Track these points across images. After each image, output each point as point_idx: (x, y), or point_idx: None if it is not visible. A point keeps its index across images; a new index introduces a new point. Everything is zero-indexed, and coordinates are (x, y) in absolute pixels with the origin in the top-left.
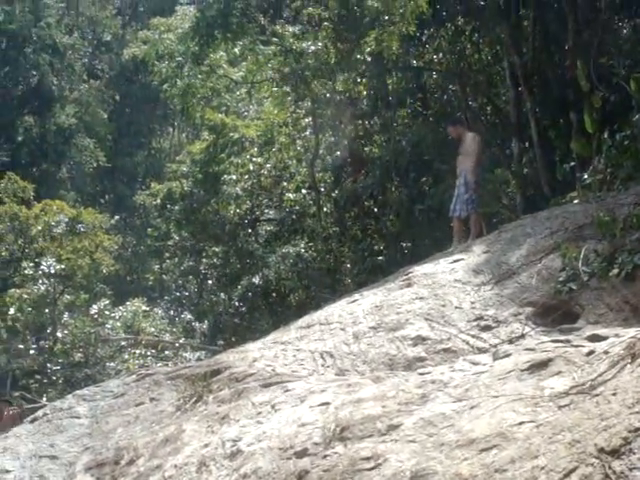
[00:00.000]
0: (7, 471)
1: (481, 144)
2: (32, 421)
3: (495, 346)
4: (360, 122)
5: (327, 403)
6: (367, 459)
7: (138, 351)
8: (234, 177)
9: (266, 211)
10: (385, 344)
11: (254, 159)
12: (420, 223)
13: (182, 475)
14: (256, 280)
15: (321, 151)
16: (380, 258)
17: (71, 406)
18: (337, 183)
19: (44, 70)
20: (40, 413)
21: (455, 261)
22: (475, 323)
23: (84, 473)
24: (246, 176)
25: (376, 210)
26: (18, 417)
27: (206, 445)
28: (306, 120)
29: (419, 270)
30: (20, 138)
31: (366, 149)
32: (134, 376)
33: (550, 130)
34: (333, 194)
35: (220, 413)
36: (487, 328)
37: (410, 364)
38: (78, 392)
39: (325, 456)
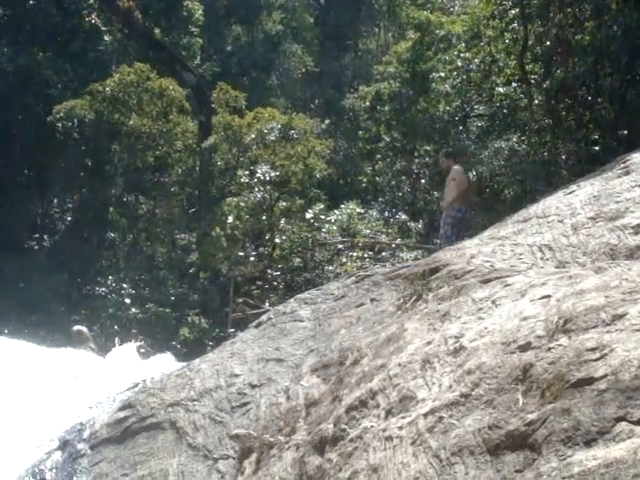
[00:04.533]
0: (236, 375)
1: (463, 177)
2: (257, 326)
3: None
4: (569, 9)
5: (548, 296)
6: (592, 350)
7: (355, 253)
8: (442, 74)
9: (476, 107)
10: (605, 234)
11: (462, 55)
12: (635, 109)
13: (406, 373)
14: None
15: (530, 42)
16: (596, 147)
17: (294, 310)
18: (548, 74)
19: None
20: (264, 318)
21: None
22: None
23: (310, 374)
24: (454, 73)
25: (589, 99)
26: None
27: (428, 343)
28: (513, 11)
29: (637, 157)
30: (229, 48)
31: (576, 37)
32: (353, 278)
33: None
34: (544, 85)
35: (440, 311)
36: None
37: (632, 253)
38: (300, 296)
39: (549, 349)
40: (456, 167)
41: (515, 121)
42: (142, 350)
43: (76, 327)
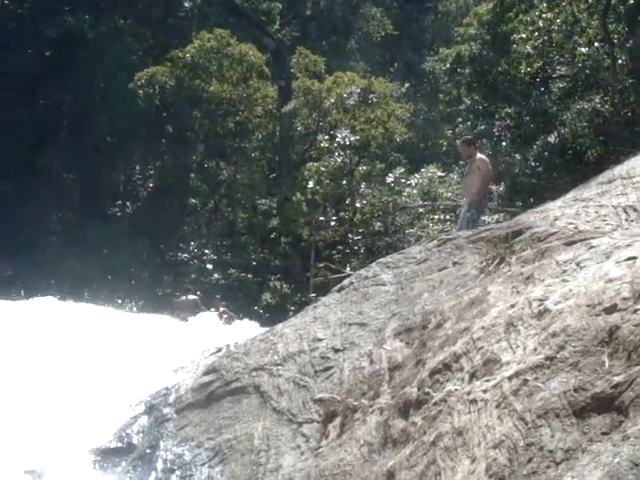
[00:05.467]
0: (319, 339)
1: (488, 168)
2: (339, 290)
3: None
4: None
5: (634, 257)
6: None
7: (436, 217)
8: (523, 36)
9: (558, 68)
10: None
11: (543, 15)
12: None
13: (490, 336)
14: (551, 139)
15: (613, 1)
16: None
17: (376, 274)
18: (631, 33)
19: None
20: (346, 282)
21: None
22: None
23: (393, 338)
24: (536, 33)
25: None
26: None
27: (512, 306)
28: None
29: None
30: (308, 12)
31: None
32: (435, 241)
33: None
34: (627, 45)
35: (524, 273)
36: None
37: None
38: (382, 260)
39: (635, 310)
40: (481, 156)
41: (598, 81)
42: (225, 315)
43: (184, 297)
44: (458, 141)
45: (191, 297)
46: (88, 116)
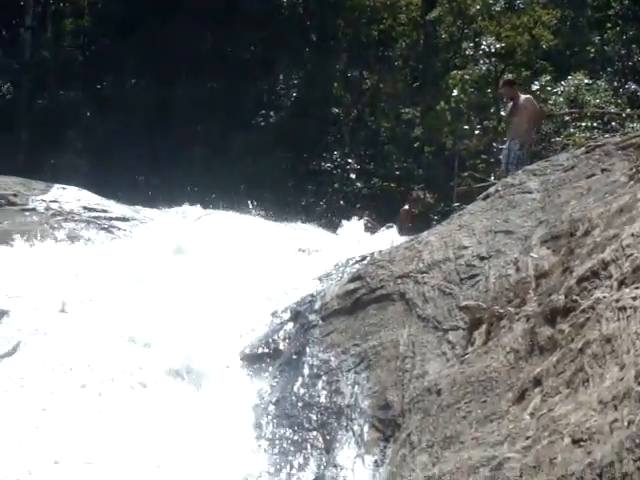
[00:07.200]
0: (465, 247)
1: (536, 107)
2: (485, 198)
3: None
4: None
5: None
6: None
7: (583, 124)
8: None
9: None
10: None
11: None
12: None
13: None
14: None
15: None
16: None
17: (522, 181)
18: None
19: None
20: (492, 190)
21: None
22: None
23: (540, 246)
24: None
25: None
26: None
27: None
28: None
29: None
30: None
31: None
32: (583, 148)
33: None
34: None
35: None
36: None
37: None
38: (528, 167)
39: None
40: (526, 95)
41: None
42: (369, 225)
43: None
44: (500, 82)
45: (406, 207)
46: (231, 25)
